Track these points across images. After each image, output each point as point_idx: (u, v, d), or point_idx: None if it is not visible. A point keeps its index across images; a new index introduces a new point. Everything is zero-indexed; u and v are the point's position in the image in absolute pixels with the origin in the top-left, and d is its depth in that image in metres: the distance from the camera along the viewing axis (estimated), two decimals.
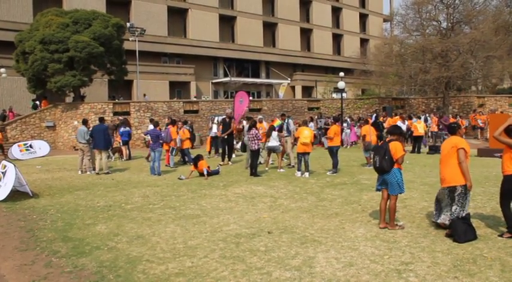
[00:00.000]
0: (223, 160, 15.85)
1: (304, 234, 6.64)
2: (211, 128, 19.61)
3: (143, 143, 26.89)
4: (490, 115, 20.93)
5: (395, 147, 6.73)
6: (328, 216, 7.74)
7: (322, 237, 6.46)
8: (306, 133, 12.54)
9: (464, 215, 6.31)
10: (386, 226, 6.81)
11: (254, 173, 12.86)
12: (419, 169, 13.55)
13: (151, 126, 14.50)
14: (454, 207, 6.33)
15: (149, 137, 14.65)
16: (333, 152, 13.01)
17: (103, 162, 14.49)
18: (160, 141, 14.26)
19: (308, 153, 12.73)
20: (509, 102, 32.40)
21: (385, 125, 19.91)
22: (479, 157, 16.42)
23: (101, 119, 15.23)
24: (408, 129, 20.07)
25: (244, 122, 18.02)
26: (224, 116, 23.33)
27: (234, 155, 17.30)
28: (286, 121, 16.00)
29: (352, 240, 6.28)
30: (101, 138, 14.27)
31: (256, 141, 13.03)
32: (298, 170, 12.87)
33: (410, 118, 21.07)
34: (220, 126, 18.68)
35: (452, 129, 6.67)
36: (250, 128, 13.28)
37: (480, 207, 8.14)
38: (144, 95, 35.46)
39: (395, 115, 23.29)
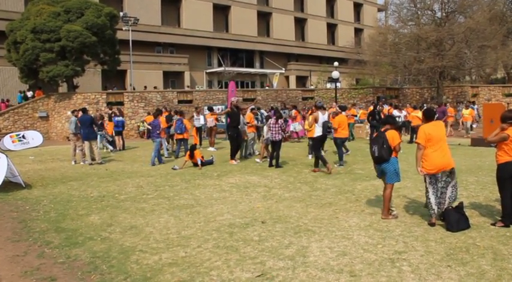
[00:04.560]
0: (233, 157, 13.86)
1: (298, 223, 6.64)
2: (198, 119, 18.69)
3: (137, 133, 26.83)
4: (484, 105, 20.94)
5: (392, 136, 6.82)
6: (322, 206, 7.75)
7: (315, 226, 6.46)
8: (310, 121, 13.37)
9: (457, 202, 6.38)
10: (382, 216, 6.86)
11: (277, 164, 12.49)
12: (413, 159, 13.53)
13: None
14: (450, 190, 6.38)
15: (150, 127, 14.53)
16: (336, 143, 12.73)
17: (95, 152, 14.42)
18: (158, 132, 14.19)
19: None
20: (503, 91, 32.53)
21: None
22: (473, 147, 16.48)
23: (84, 110, 14.98)
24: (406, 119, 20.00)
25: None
26: (219, 107, 23.11)
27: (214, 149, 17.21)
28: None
29: (346, 229, 6.29)
30: (86, 130, 14.19)
31: (280, 132, 12.52)
32: (309, 153, 13.95)
33: (415, 108, 20.85)
34: (214, 116, 18.53)
35: (433, 115, 6.67)
36: (277, 118, 12.62)
37: (473, 196, 8.17)
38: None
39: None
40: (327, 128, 11.68)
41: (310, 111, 15.85)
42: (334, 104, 23.62)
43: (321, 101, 15.51)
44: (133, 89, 34.12)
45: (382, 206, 7.05)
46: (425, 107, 23.47)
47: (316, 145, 11.75)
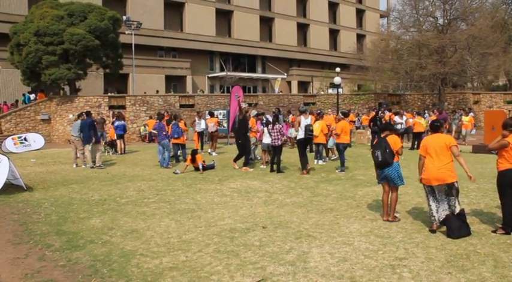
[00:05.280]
0: (245, 165, 13.49)
1: (299, 229, 6.64)
2: (199, 123, 18.33)
3: (138, 136, 26.86)
4: (486, 112, 20.92)
5: (394, 141, 7.04)
6: (322, 212, 7.75)
7: (316, 232, 6.46)
8: (316, 126, 13.49)
9: (458, 210, 6.37)
10: (389, 219, 6.98)
11: (278, 169, 12.49)
12: (414, 165, 13.49)
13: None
14: (453, 203, 6.37)
15: (155, 132, 14.51)
16: (339, 149, 12.79)
17: (96, 156, 14.40)
18: (164, 133, 14.21)
19: (321, 144, 13.99)
20: (504, 99, 32.55)
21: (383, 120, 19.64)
22: (474, 153, 16.46)
23: (88, 113, 14.92)
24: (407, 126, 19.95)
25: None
26: (221, 111, 22.95)
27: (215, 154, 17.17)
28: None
29: (347, 235, 6.29)
30: (87, 133, 14.18)
31: (280, 137, 12.49)
32: (315, 158, 14.31)
33: (419, 114, 20.75)
34: (215, 121, 18.45)
35: (436, 128, 6.66)
36: (274, 123, 12.70)
37: (474, 203, 8.17)
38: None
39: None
40: (308, 131, 12.27)
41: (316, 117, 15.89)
42: (330, 110, 23.68)
43: (303, 106, 15.75)
44: (118, 92, 33.98)
45: (382, 211, 7.18)
46: (425, 114, 23.55)
47: (299, 148, 12.48)
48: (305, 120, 12.40)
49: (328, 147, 15.13)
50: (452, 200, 6.37)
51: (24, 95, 30.71)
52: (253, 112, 16.25)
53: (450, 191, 6.37)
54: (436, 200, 6.43)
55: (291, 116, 21.13)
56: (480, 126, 26.23)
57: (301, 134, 12.25)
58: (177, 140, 14.94)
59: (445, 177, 6.31)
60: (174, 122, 15.29)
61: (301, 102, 31.87)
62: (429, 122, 21.48)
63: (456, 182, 6.37)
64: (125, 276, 4.92)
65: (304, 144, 12.60)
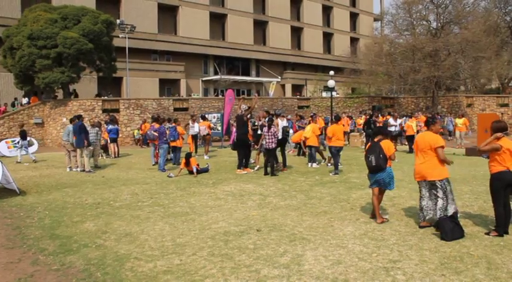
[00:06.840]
0: (239, 167, 13.45)
1: (293, 232, 6.65)
2: (193, 127, 18.25)
3: (132, 140, 26.78)
4: (479, 115, 21.02)
5: (388, 146, 7.14)
6: (317, 214, 7.76)
7: (310, 235, 6.47)
8: (307, 129, 14.33)
9: (451, 212, 6.40)
10: (384, 220, 7.08)
11: (272, 172, 12.48)
12: (408, 168, 13.59)
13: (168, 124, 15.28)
14: (441, 203, 6.44)
15: (156, 134, 14.46)
16: (331, 152, 12.85)
17: (84, 160, 14.28)
18: (165, 139, 14.17)
19: (313, 147, 14.24)
20: (497, 102, 32.80)
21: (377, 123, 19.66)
22: (467, 156, 16.56)
23: (79, 117, 14.81)
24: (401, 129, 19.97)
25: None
26: (215, 115, 22.90)
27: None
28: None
29: (341, 238, 6.30)
30: (78, 137, 14.09)
31: (273, 140, 12.47)
32: (309, 161, 14.56)
33: (410, 117, 20.79)
34: (207, 124, 18.40)
35: (427, 123, 6.84)
36: (269, 126, 12.64)
37: (468, 205, 8.21)
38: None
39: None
40: (285, 132, 14.04)
41: (309, 120, 15.88)
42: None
43: (280, 109, 16.53)
44: (101, 96, 33.70)
45: (373, 211, 7.33)
46: (412, 116, 23.59)
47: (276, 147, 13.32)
48: (282, 122, 14.11)
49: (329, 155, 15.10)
50: (440, 202, 6.40)
51: (16, 98, 30.61)
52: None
53: (435, 190, 6.45)
54: (424, 197, 6.62)
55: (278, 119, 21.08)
56: (473, 129, 26.38)
57: (279, 135, 13.49)
58: (173, 143, 14.99)
59: (424, 173, 6.52)
60: (172, 125, 15.30)
61: (295, 106, 31.98)
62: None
63: (440, 180, 6.44)
64: (119, 280, 4.91)
65: (281, 143, 13.92)
